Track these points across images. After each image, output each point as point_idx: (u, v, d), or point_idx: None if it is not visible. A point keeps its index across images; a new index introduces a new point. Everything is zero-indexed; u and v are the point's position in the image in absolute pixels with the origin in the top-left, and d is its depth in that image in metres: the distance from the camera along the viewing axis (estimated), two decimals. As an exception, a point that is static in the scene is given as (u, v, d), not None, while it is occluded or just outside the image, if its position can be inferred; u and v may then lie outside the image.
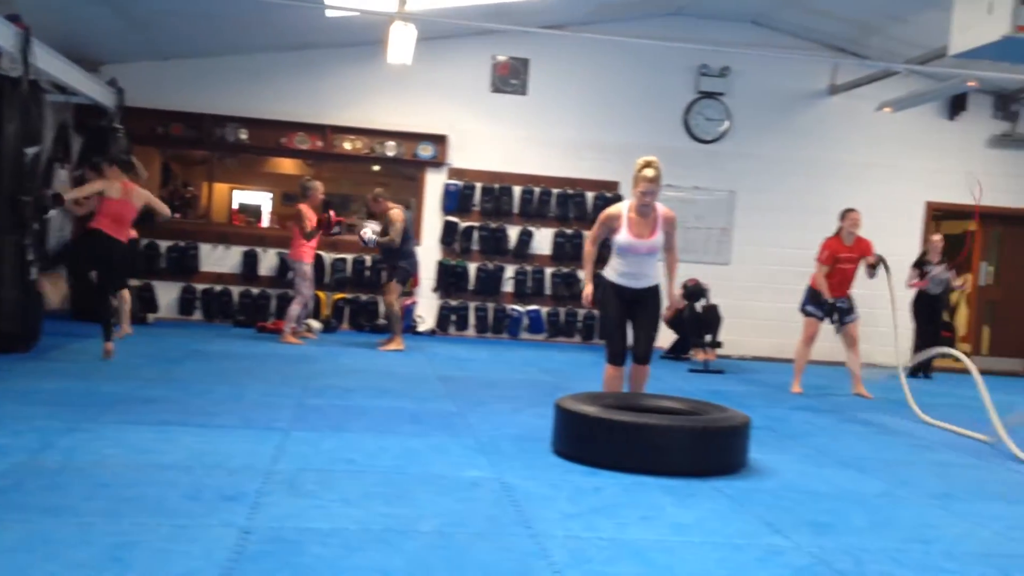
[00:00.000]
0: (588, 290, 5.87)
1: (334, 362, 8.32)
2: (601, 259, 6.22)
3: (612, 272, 5.82)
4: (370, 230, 9.54)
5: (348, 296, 11.42)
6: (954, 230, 14.00)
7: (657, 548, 3.44)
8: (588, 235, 5.98)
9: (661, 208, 5.71)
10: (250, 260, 11.27)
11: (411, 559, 3.11)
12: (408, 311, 11.13)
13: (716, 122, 11.77)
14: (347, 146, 11.45)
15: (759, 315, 11.58)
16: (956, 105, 11.90)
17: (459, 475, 4.37)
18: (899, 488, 4.77)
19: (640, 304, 5.75)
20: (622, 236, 5.67)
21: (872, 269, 8.60)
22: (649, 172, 5.57)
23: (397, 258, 9.51)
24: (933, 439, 6.43)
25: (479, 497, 3.99)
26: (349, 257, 11.40)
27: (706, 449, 4.71)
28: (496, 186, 11.52)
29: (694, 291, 10.35)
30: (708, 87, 11.69)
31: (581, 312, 11.62)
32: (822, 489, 4.64)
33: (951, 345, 12.86)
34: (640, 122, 11.53)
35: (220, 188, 14.77)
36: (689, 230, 11.36)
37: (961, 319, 13.47)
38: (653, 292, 5.78)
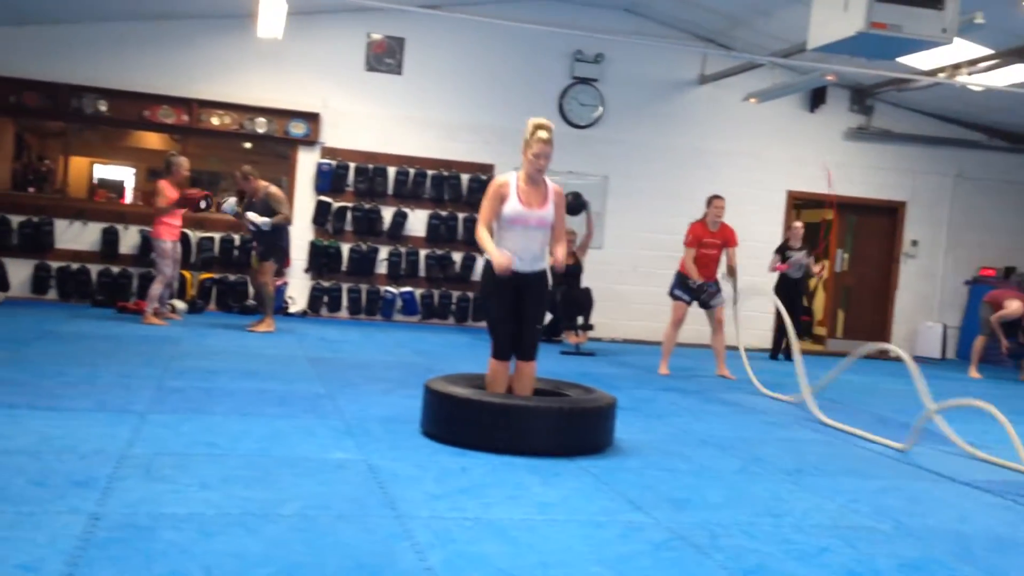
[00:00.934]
0: (501, 255, 5.02)
1: (199, 343, 8.07)
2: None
3: None
4: (233, 200, 9.30)
5: (215, 276, 11.09)
6: (813, 218, 14.63)
7: (521, 527, 3.47)
8: (479, 219, 5.21)
9: (551, 183, 5.27)
10: (110, 237, 10.81)
11: (270, 543, 3.05)
12: (279, 292, 10.90)
13: (590, 107, 11.92)
14: (215, 121, 11.10)
15: (630, 298, 11.83)
16: (816, 98, 12.39)
17: (324, 457, 4.30)
18: (754, 465, 4.96)
19: (527, 292, 5.21)
20: (510, 205, 5.09)
21: (729, 277, 8.87)
22: (543, 134, 5.10)
23: (275, 238, 9.28)
24: (786, 418, 6.70)
25: (344, 479, 3.94)
26: (216, 236, 11.07)
27: (573, 429, 4.77)
28: (370, 166, 11.38)
29: (575, 204, 10.18)
30: (583, 73, 11.83)
31: (455, 294, 11.62)
32: (683, 467, 4.77)
33: (808, 329, 13.48)
34: (516, 105, 11.54)
35: (79, 162, 14.06)
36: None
37: (818, 304, 14.11)
38: (541, 279, 5.29)
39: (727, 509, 3.99)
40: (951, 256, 13.01)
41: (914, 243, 12.91)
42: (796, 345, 7.97)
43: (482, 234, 5.17)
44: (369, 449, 4.53)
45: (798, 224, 11.21)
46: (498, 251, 5.06)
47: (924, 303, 12.99)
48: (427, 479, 4.06)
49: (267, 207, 9.18)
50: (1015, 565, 3.53)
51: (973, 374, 10.59)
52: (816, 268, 11.42)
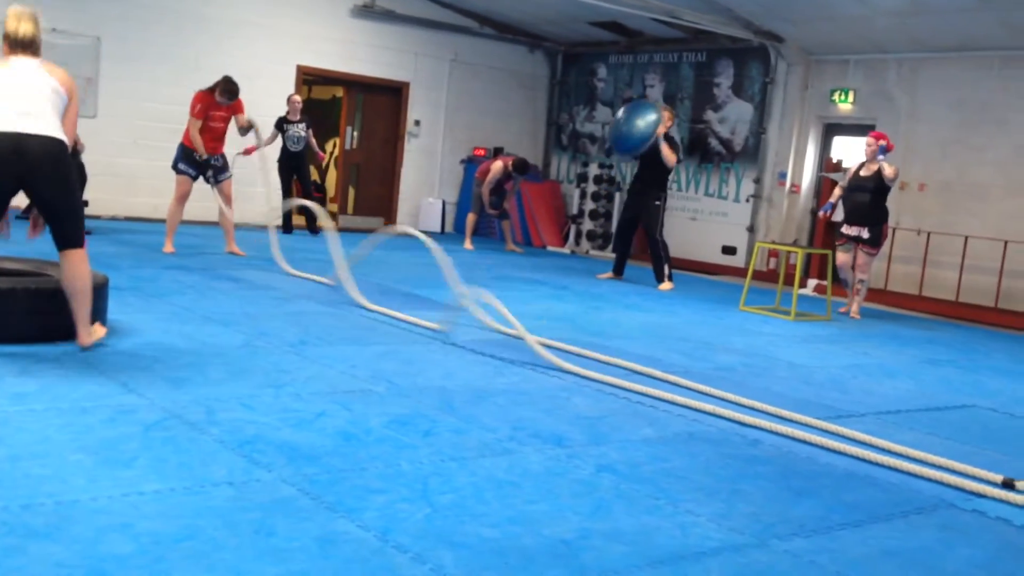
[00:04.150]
0: None
1: None
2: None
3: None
4: None
5: None
6: (324, 95, 14.74)
7: (-11, 422, 3.11)
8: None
9: None
10: None
11: None
12: None
13: (78, -42, 10.63)
14: None
15: (131, 173, 11.01)
16: (324, -28, 12.29)
17: None
18: (259, 339, 4.95)
19: None
20: None
21: (244, 130, 8.67)
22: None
23: None
24: (295, 292, 6.78)
25: None
26: None
27: (55, 312, 4.34)
28: None
29: None
30: (67, -84, 10.46)
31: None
32: (183, 346, 4.61)
33: (322, 205, 13.72)
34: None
35: None
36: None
37: (331, 181, 14.39)
38: None
39: (227, 384, 3.95)
40: (449, 136, 13.92)
41: (417, 123, 13.57)
42: (328, 221, 7.82)
43: None
44: None
45: (296, 97, 11.15)
46: None
47: (426, 180, 13.82)
48: None
49: None
50: (486, 411, 3.95)
51: (467, 246, 11.57)
52: (320, 151, 11.57)
